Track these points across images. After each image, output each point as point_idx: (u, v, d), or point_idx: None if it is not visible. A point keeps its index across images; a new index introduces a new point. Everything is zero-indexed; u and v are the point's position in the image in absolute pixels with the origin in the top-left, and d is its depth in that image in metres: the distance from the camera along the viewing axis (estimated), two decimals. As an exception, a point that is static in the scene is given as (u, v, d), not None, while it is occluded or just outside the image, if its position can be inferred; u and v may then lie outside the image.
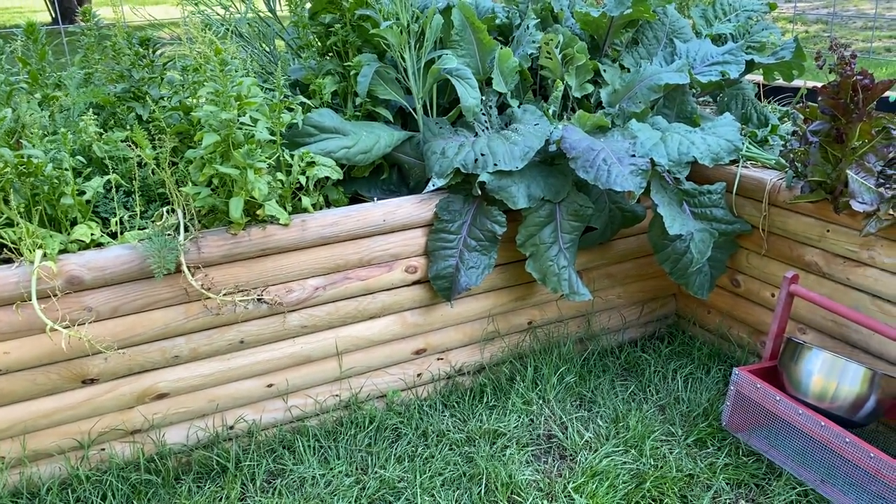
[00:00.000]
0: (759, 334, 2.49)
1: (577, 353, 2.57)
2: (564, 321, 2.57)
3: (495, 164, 2.18)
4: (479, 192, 2.22)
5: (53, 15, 13.25)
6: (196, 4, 2.47)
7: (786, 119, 2.85)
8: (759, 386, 2.08)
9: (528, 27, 2.46)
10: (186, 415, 2.11)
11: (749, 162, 2.46)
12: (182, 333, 2.04)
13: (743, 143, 2.44)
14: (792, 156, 2.22)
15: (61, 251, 1.91)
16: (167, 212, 2.06)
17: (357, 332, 2.26)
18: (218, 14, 2.64)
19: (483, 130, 2.35)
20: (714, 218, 2.36)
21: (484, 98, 2.38)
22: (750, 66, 2.63)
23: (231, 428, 2.17)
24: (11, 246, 1.89)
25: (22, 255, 1.87)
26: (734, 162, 2.45)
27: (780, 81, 2.89)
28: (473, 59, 2.40)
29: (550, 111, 2.35)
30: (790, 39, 2.72)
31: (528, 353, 2.51)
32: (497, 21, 2.60)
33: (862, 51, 7.24)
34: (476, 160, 2.20)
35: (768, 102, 3.24)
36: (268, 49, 2.62)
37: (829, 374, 1.99)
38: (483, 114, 2.37)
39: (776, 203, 2.32)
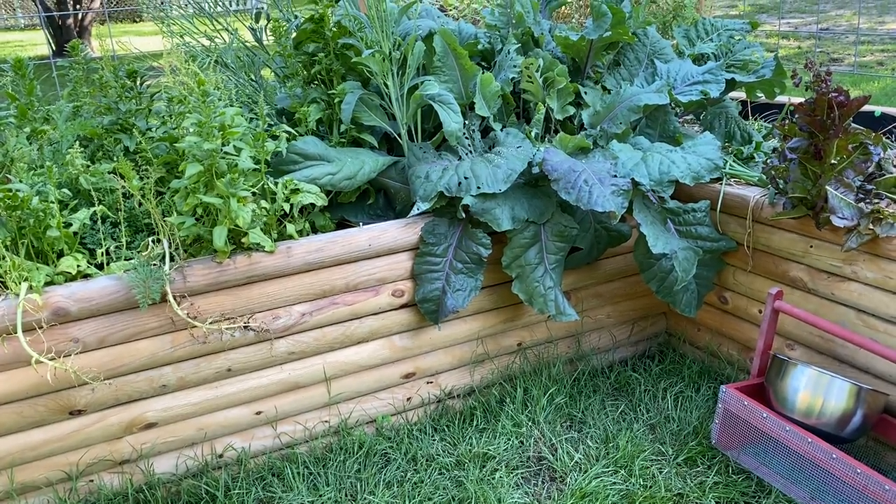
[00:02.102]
0: (748, 351, 2.49)
1: (568, 373, 2.57)
2: (554, 342, 2.58)
3: (478, 188, 2.20)
4: (464, 215, 2.24)
5: (53, 48, 13.41)
6: (181, 36, 2.51)
7: (771, 136, 2.87)
8: (746, 403, 2.08)
9: (508, 52, 2.50)
10: (175, 444, 2.11)
11: (733, 179, 2.48)
12: (169, 362, 2.04)
13: (724, 162, 2.45)
14: (773, 173, 2.23)
15: (48, 283, 1.93)
16: (153, 242, 2.07)
17: (345, 357, 2.27)
18: (203, 45, 2.68)
19: (466, 154, 2.37)
20: (699, 236, 2.37)
21: (467, 122, 2.40)
22: (731, 85, 2.66)
23: (220, 456, 2.17)
24: (-2, 279, 1.91)
25: (8, 288, 1.89)
26: (718, 179, 2.47)
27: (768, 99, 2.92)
28: (456, 85, 2.43)
29: (533, 134, 2.37)
30: (771, 58, 2.75)
31: (518, 374, 2.51)
32: (479, 47, 2.63)
33: (853, 65, 7.29)
34: (459, 183, 2.22)
35: (755, 119, 3.26)
36: (254, 79, 2.66)
37: (815, 391, 1.99)
38: (466, 138, 2.39)
39: (760, 220, 2.33)
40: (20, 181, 2.02)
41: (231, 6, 3.01)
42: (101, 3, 14.61)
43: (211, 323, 2.04)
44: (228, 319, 2.07)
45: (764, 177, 2.37)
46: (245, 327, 2.10)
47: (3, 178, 2.16)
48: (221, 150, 2.00)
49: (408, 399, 2.40)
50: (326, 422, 2.29)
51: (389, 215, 2.44)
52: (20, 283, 1.88)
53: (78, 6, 13.73)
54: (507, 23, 2.65)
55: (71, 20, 13.51)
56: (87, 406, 1.98)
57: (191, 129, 2.00)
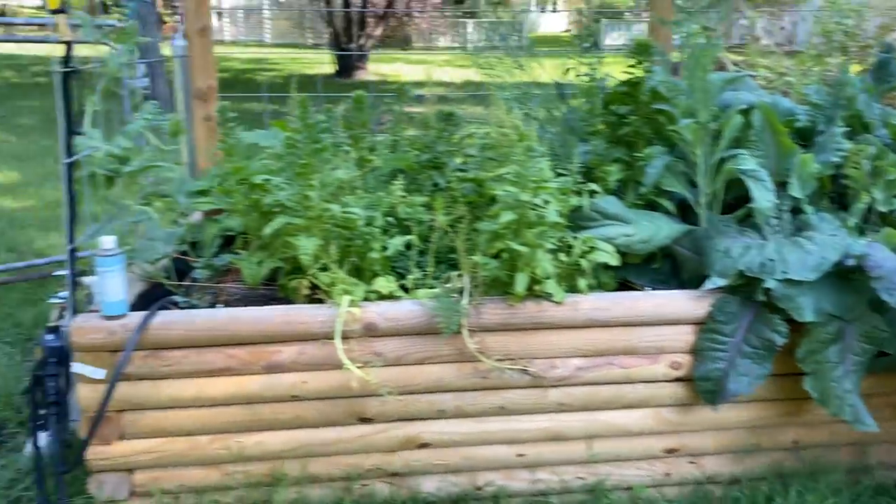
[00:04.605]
0: None
1: (846, 484, 2.34)
2: (835, 447, 2.36)
3: (784, 272, 2.09)
4: (762, 298, 2.14)
5: (337, 68, 14.99)
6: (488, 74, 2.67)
7: None
8: None
9: (834, 135, 2.36)
10: (441, 468, 2.22)
11: None
12: (451, 390, 2.16)
13: None
14: None
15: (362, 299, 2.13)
16: (456, 276, 2.21)
17: (611, 418, 2.25)
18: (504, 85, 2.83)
19: (772, 234, 2.27)
20: None
21: (778, 201, 2.30)
22: None
23: (479, 489, 2.25)
24: (323, 288, 2.14)
25: (331, 299, 2.11)
26: None
27: None
28: (769, 161, 2.34)
29: (851, 223, 2.21)
30: None
31: (791, 474, 2.33)
32: (798, 124, 2.51)
33: None
34: (762, 264, 2.13)
35: None
36: (555, 131, 2.76)
37: None
38: (774, 217, 2.29)
39: None
40: (351, 205, 2.26)
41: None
42: (381, 32, 16.10)
43: (496, 361, 2.13)
44: (510, 360, 2.16)
45: None
46: (523, 370, 2.17)
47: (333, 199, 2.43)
48: (532, 201, 2.10)
49: (666, 474, 2.32)
50: (582, 478, 2.29)
51: (673, 283, 2.40)
52: (342, 296, 2.09)
53: (361, 32, 15.27)
54: (834, 103, 2.50)
55: (354, 44, 15.06)
56: (375, 416, 2.16)
57: (507, 179, 2.11)
